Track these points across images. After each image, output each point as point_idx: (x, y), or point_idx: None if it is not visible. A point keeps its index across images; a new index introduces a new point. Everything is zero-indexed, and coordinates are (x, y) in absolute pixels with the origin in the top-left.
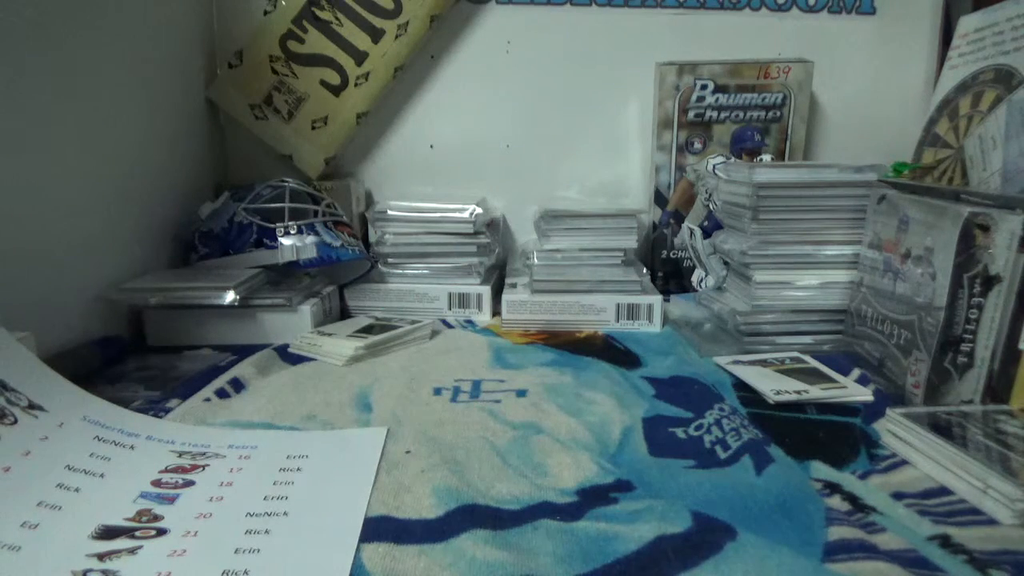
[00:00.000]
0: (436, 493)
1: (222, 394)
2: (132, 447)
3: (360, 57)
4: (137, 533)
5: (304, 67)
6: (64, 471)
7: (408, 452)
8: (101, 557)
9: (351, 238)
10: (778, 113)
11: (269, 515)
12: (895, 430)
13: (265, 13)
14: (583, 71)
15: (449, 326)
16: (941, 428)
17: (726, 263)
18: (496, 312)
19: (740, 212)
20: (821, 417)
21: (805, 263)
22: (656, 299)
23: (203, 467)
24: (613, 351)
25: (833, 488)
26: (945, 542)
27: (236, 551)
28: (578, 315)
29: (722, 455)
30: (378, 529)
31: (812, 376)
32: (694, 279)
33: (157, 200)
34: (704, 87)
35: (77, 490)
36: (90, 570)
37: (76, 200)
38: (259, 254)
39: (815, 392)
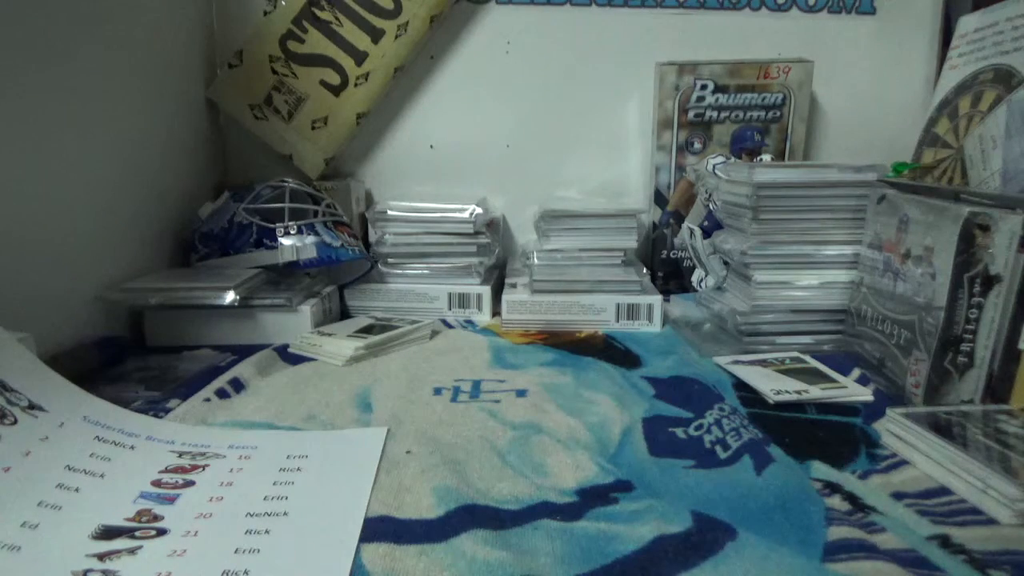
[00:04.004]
0: (436, 493)
1: (222, 394)
2: (132, 447)
3: (360, 57)
4: (137, 533)
5: (304, 67)
6: (64, 471)
7: (408, 452)
8: (101, 557)
9: (351, 238)
10: (778, 113)
11: (269, 515)
12: (895, 430)
13: (265, 13)
14: (583, 71)
15: (449, 326)
16: (941, 428)
17: (726, 263)
18: (496, 312)
19: (740, 212)
20: (821, 417)
21: (805, 263)
22: (656, 299)
23: (203, 467)
24: (613, 351)
25: (833, 488)
26: (945, 542)
27: (236, 551)
28: (578, 315)
29: (722, 455)
30: (378, 529)
31: (812, 376)
32: (694, 279)
33: (157, 200)
34: (704, 87)
35: (77, 490)
36: (90, 570)
37: (76, 200)
38: (259, 254)
39: (815, 392)
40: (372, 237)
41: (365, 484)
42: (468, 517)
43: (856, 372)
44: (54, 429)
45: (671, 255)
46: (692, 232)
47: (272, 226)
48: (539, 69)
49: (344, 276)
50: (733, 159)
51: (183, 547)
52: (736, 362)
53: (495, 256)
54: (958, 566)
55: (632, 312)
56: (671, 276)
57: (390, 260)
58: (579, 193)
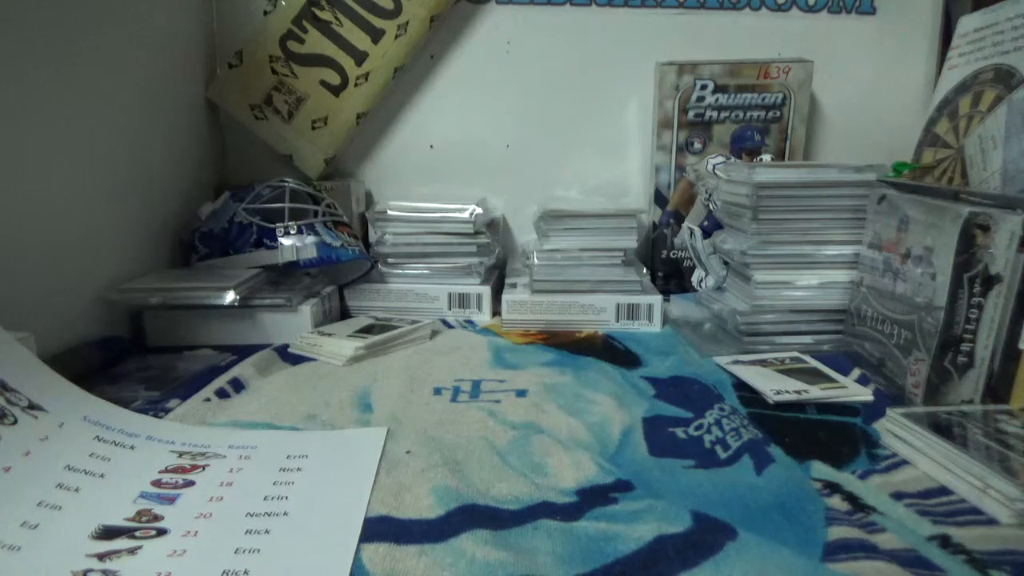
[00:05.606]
0: (436, 493)
1: (222, 394)
2: (132, 447)
3: (360, 57)
4: (137, 533)
5: (304, 67)
6: (64, 471)
7: (408, 452)
8: (101, 557)
9: (351, 238)
10: (778, 113)
11: (269, 515)
12: (895, 430)
13: (265, 13)
14: (583, 71)
15: (449, 326)
16: (941, 428)
17: (726, 263)
18: (496, 312)
19: (740, 212)
20: (821, 417)
21: (805, 263)
22: (656, 299)
23: (203, 467)
24: (613, 351)
25: (833, 488)
26: (945, 542)
27: (236, 551)
28: (578, 315)
29: (722, 455)
30: (378, 529)
31: (812, 376)
32: (694, 279)
33: (157, 200)
34: (704, 87)
35: (77, 490)
36: (90, 570)
37: (76, 200)
38: (259, 254)
39: (815, 392)
40: (372, 237)
41: (365, 484)
42: (468, 517)
43: (856, 372)
44: (54, 429)
45: (671, 255)
46: (692, 232)
47: (272, 226)
48: (539, 69)
49: (344, 276)
50: (733, 159)
51: (183, 547)
52: (736, 362)
53: (495, 256)
54: (958, 566)
55: (632, 312)
56: (671, 276)
57: (390, 260)
58: (579, 193)
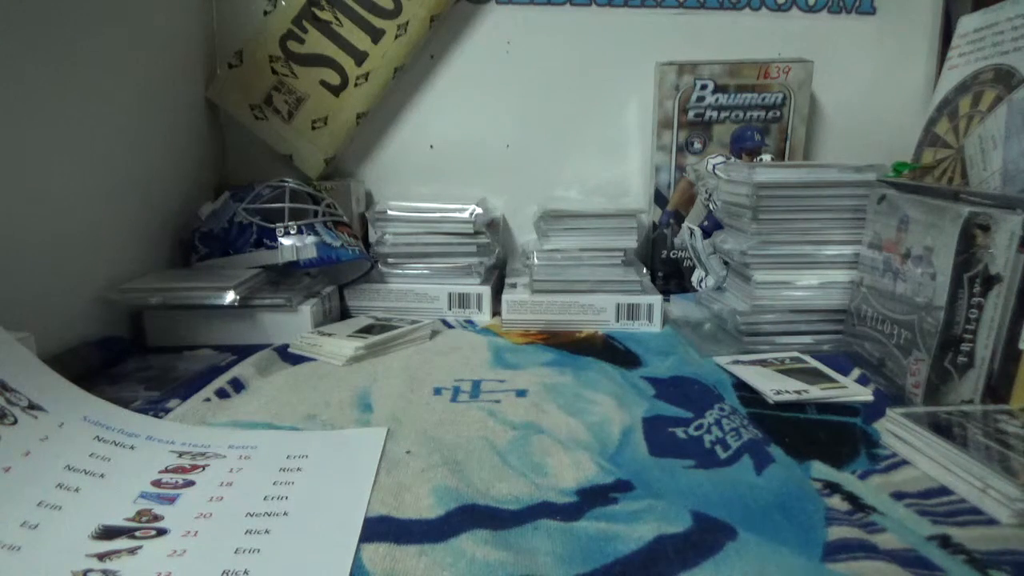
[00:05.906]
0: (436, 493)
1: (222, 394)
2: (132, 447)
3: (360, 57)
4: (137, 533)
5: (304, 67)
6: (64, 471)
7: (408, 452)
8: (101, 557)
9: (351, 238)
10: (778, 113)
11: (269, 515)
12: (895, 430)
13: (265, 13)
14: (583, 71)
15: (449, 326)
16: (941, 428)
17: (726, 263)
18: (496, 312)
19: (740, 212)
20: (821, 417)
21: (805, 263)
22: (656, 299)
23: (203, 467)
24: (613, 351)
25: (833, 488)
26: (945, 542)
27: (236, 551)
28: (578, 315)
29: (722, 455)
30: (378, 529)
31: (812, 376)
32: (694, 279)
33: (157, 200)
34: (704, 87)
35: (77, 490)
36: (90, 570)
37: (76, 200)
38: (259, 254)
39: (815, 392)
40: (372, 237)
41: (365, 484)
42: (468, 517)
43: (856, 372)
44: (54, 429)
45: (671, 255)
46: (692, 232)
47: (272, 226)
48: (539, 69)
49: (344, 276)
50: (733, 159)
51: (183, 547)
52: (736, 362)
53: (495, 256)
54: (958, 566)
55: (632, 312)
56: (671, 276)
57: (390, 260)
58: (579, 193)
